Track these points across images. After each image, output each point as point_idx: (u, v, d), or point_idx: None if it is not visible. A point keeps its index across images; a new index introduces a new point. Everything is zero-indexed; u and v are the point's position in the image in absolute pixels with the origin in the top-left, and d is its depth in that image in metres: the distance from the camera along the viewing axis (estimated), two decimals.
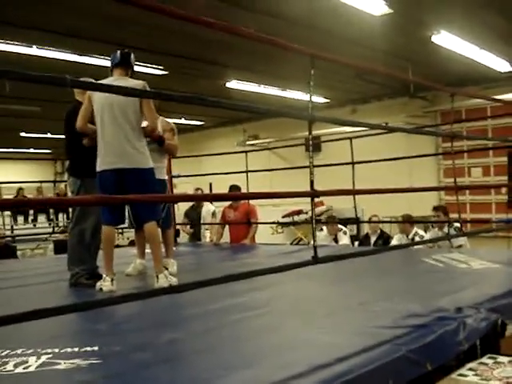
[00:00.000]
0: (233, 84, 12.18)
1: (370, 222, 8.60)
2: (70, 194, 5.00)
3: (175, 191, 7.44)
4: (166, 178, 5.62)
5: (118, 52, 4.60)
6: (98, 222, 4.61)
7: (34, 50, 8.94)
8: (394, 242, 7.81)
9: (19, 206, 7.20)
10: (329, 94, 13.65)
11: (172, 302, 3.71)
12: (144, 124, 4.54)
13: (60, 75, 1.91)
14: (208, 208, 8.83)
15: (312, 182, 2.64)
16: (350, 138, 6.80)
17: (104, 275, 4.35)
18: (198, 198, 5.19)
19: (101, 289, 4.25)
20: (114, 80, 4.45)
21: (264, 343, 2.69)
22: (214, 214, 8.80)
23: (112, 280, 4.28)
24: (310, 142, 2.72)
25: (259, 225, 8.36)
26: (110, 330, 3.09)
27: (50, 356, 2.53)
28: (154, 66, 10.56)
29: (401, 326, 2.76)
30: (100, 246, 4.82)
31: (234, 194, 5.81)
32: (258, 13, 7.83)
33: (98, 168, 4.40)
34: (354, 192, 4.85)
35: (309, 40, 8.64)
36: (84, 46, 9.08)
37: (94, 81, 3.48)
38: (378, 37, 8.93)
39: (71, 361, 2.46)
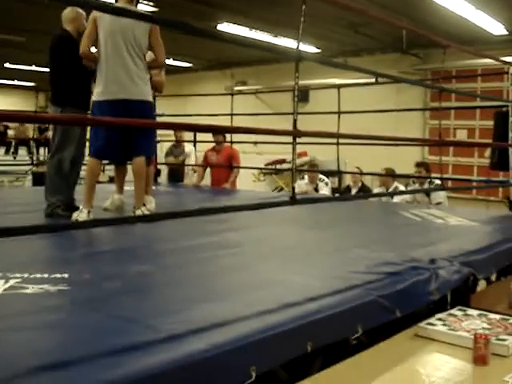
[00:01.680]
0: (224, 27, 11.94)
1: (351, 172, 8.61)
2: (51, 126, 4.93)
3: (159, 131, 7.34)
4: None
5: None
6: (78, 152, 4.55)
7: None
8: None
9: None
10: (320, 44, 13.47)
11: (145, 237, 3.71)
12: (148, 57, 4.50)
13: None
14: (190, 148, 8.75)
15: (295, 122, 2.58)
16: (338, 87, 6.74)
17: (81, 207, 4.30)
18: (180, 127, 5.04)
19: (76, 220, 4.20)
20: (124, 7, 4.24)
21: (233, 281, 2.68)
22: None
23: (89, 212, 4.23)
24: (296, 82, 2.65)
25: (241, 171, 8.35)
26: (81, 259, 3.08)
27: (18, 280, 2.50)
28: (145, 2, 10.30)
29: (374, 272, 2.76)
30: (78, 178, 4.77)
31: (217, 126, 5.59)
32: None
33: (97, 97, 4.31)
34: (337, 135, 4.80)
35: None
36: None
37: None
38: None
39: (40, 286, 2.43)
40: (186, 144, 8.65)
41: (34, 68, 17.15)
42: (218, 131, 7.12)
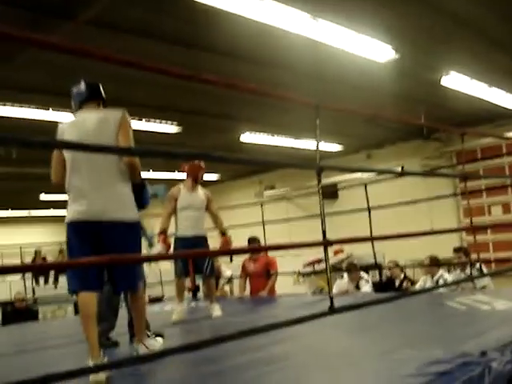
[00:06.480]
0: (246, 136, 12.27)
1: (390, 268, 8.53)
2: None
3: None
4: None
5: (83, 84, 3.95)
6: None
7: (50, 114, 9.09)
8: (419, 283, 7.74)
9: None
10: (342, 141, 13.71)
11: (187, 360, 3.65)
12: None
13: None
14: (226, 275, 9.03)
15: (324, 232, 2.62)
16: (365, 184, 6.81)
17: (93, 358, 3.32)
18: (216, 254, 5.30)
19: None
20: (89, 114, 3.74)
21: None
22: (229, 279, 8.98)
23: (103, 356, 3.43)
24: (320, 192, 2.73)
25: (280, 275, 8.36)
26: None
27: None
28: (168, 124, 10.71)
29: (425, 373, 2.69)
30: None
31: (251, 248, 6.05)
32: (265, 66, 7.96)
33: (70, 218, 3.56)
34: (369, 239, 4.81)
35: (317, 88, 8.76)
36: None
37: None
38: (387, 82, 9.00)
39: None
40: (222, 268, 9.00)
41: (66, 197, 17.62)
42: (254, 251, 7.42)
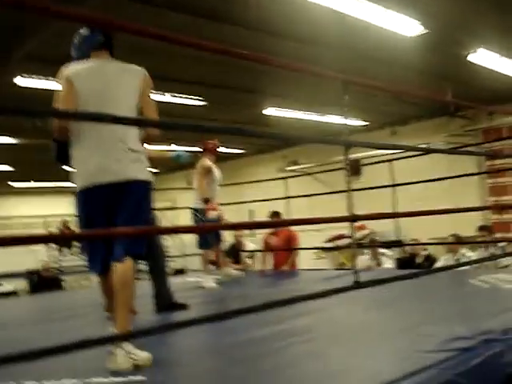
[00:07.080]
0: (269, 111, 12.25)
1: (412, 244, 8.53)
2: None
3: None
4: None
5: (96, 29, 3.45)
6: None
7: None
8: (440, 262, 7.73)
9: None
10: (367, 117, 13.63)
11: (212, 330, 3.71)
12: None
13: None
14: (248, 248, 9.09)
15: (351, 207, 2.64)
16: (390, 160, 6.76)
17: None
18: (240, 227, 5.42)
19: None
20: (107, 62, 3.39)
21: (309, 370, 2.66)
22: (252, 253, 9.06)
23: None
24: (347, 168, 2.73)
25: (302, 250, 8.38)
26: (153, 361, 3.09)
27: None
28: (194, 98, 10.75)
29: (446, 349, 2.70)
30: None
31: (274, 222, 6.24)
32: (290, 39, 7.92)
33: (84, 182, 3.15)
34: (394, 215, 4.81)
35: (343, 63, 8.69)
36: None
37: None
38: (414, 57, 8.92)
39: None
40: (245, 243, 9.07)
41: None
42: (277, 226, 7.50)
